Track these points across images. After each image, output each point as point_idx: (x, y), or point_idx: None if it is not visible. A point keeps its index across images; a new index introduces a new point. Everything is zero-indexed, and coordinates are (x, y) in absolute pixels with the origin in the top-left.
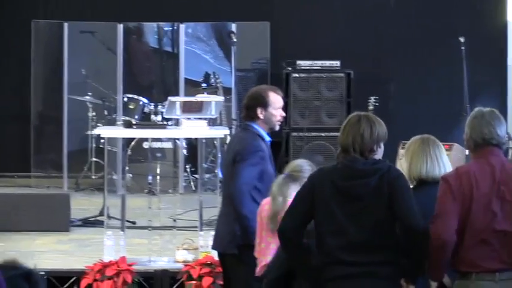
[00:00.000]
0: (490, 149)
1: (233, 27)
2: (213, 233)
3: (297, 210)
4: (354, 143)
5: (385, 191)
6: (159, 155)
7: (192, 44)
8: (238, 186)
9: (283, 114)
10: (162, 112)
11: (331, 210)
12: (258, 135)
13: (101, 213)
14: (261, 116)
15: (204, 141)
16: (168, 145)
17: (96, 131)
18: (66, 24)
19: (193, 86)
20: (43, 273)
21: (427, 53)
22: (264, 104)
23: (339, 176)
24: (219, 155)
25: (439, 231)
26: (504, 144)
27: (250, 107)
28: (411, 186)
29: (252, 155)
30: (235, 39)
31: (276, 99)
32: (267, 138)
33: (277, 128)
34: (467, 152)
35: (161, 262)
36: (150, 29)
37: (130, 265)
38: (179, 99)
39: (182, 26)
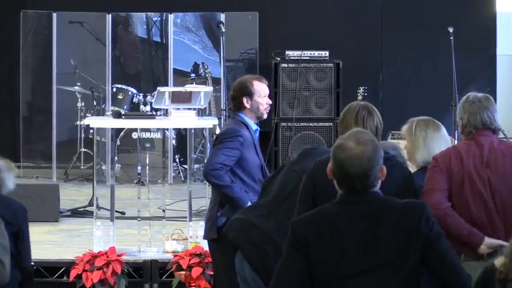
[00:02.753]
0: (483, 131)
1: (222, 17)
2: (202, 223)
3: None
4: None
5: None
6: (148, 145)
7: (181, 34)
8: (212, 164)
9: (270, 102)
10: (151, 102)
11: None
12: (243, 123)
13: (90, 204)
14: (248, 106)
15: (193, 131)
16: (157, 135)
17: (85, 122)
18: (55, 15)
19: (182, 76)
20: (32, 263)
21: (416, 43)
22: (249, 93)
23: None
24: (208, 145)
25: (434, 204)
26: (500, 129)
27: (236, 97)
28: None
29: (230, 139)
30: (224, 30)
31: (260, 88)
32: (254, 127)
33: (265, 116)
34: (455, 141)
35: (150, 252)
36: (139, 19)
37: (119, 255)
38: (168, 89)
39: (171, 16)
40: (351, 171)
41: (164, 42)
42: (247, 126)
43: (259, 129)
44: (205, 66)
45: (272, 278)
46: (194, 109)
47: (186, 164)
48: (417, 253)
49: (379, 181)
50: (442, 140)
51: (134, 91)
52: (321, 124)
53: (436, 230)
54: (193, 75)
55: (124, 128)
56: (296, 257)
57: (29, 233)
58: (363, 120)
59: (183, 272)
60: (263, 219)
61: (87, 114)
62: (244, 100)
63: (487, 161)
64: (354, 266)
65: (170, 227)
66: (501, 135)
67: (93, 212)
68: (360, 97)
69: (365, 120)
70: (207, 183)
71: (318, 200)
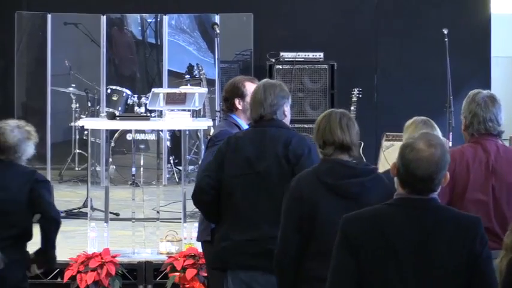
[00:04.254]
0: (487, 136)
1: (217, 18)
2: (196, 224)
3: (290, 233)
4: (355, 141)
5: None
6: (142, 146)
7: (175, 36)
8: (203, 167)
9: None
10: (145, 104)
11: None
12: (236, 125)
13: (85, 205)
14: (240, 107)
15: (187, 132)
16: (152, 137)
17: (79, 123)
18: (49, 16)
19: (176, 78)
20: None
21: (411, 45)
22: (241, 94)
23: (332, 175)
24: (203, 147)
25: None
26: (503, 132)
27: (228, 98)
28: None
29: (222, 141)
30: (218, 31)
31: (251, 89)
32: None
33: None
34: (450, 143)
35: (145, 254)
36: (134, 21)
37: (114, 257)
38: (162, 90)
39: (165, 18)
40: (417, 173)
41: (159, 43)
42: (239, 128)
43: None
44: (200, 68)
45: (327, 280)
46: (189, 110)
47: (181, 166)
48: (468, 271)
49: (440, 186)
50: None
51: (129, 92)
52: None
53: (487, 250)
54: (187, 76)
55: (118, 130)
56: (347, 259)
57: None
58: (347, 127)
59: (177, 274)
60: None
61: (82, 116)
62: (237, 101)
63: (492, 168)
64: (403, 274)
65: (164, 229)
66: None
67: (87, 213)
68: (354, 99)
69: (349, 127)
70: None
71: (307, 220)
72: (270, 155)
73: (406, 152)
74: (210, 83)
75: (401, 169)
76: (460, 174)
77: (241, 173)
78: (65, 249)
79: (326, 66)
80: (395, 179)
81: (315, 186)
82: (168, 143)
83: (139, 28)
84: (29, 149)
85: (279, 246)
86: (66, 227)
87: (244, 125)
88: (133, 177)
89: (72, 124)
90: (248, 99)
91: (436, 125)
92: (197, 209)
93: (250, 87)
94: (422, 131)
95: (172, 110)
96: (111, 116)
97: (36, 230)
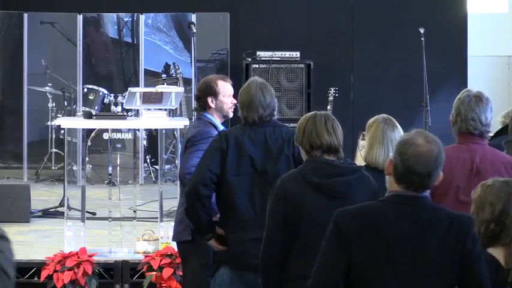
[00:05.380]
0: (472, 137)
1: (193, 17)
2: (173, 224)
3: (275, 233)
4: (341, 143)
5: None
6: (119, 145)
7: (152, 35)
8: (187, 168)
9: (234, 101)
10: (122, 103)
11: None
12: (211, 124)
13: (61, 204)
14: (213, 105)
15: (164, 132)
16: (128, 136)
17: (56, 122)
18: (25, 15)
19: (153, 77)
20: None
21: (387, 44)
22: (214, 93)
23: (318, 175)
24: (179, 146)
25: None
26: (488, 132)
27: (201, 97)
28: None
29: (203, 140)
30: (195, 30)
31: (225, 87)
32: (221, 127)
33: (230, 115)
34: None
35: (121, 253)
36: (110, 20)
37: (90, 256)
38: (139, 89)
39: (142, 17)
40: (416, 168)
41: (135, 42)
42: (215, 127)
43: (224, 128)
44: (176, 67)
45: (313, 272)
46: (165, 110)
47: (157, 165)
48: (460, 269)
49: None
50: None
51: (105, 92)
52: (292, 125)
53: (479, 248)
54: (164, 75)
55: (95, 129)
56: (337, 253)
57: None
58: (333, 129)
59: (154, 273)
60: None
61: (58, 115)
62: (209, 100)
63: (476, 171)
64: (396, 270)
65: (141, 228)
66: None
67: (64, 212)
68: (331, 98)
69: (335, 129)
70: (178, 184)
71: (291, 220)
72: (277, 155)
73: (405, 147)
74: (187, 82)
75: (400, 165)
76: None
77: (244, 172)
78: (42, 249)
79: (302, 65)
80: (388, 177)
81: (301, 186)
82: (145, 142)
83: (116, 27)
84: None
85: (263, 245)
86: (43, 226)
87: (219, 124)
88: (109, 177)
89: (49, 123)
90: (221, 97)
91: (398, 124)
92: (174, 208)
93: (222, 85)
94: (384, 130)
95: (148, 109)
96: (88, 115)
97: None
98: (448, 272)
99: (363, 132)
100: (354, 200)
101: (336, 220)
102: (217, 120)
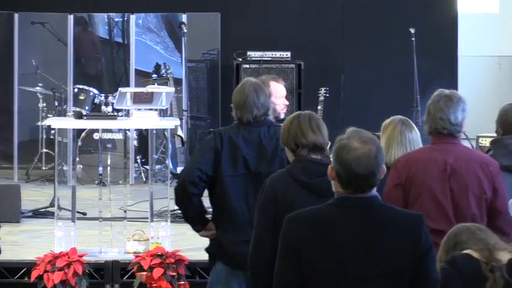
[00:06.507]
0: (447, 138)
1: (184, 18)
2: (163, 224)
3: (265, 233)
4: (326, 141)
5: None
6: (109, 146)
7: (142, 35)
8: None
9: (287, 102)
10: (112, 103)
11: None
12: None
13: (52, 204)
14: None
15: (154, 132)
16: (119, 136)
17: (46, 122)
18: (16, 15)
19: (143, 77)
20: None
21: (378, 44)
22: None
23: (306, 174)
24: (170, 146)
25: None
26: (459, 132)
27: None
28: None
29: None
30: (185, 30)
31: (277, 88)
32: None
33: (282, 116)
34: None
35: (112, 253)
36: (101, 20)
37: (81, 256)
38: (130, 90)
39: (133, 17)
40: (359, 171)
41: (126, 42)
42: None
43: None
44: (167, 67)
45: (273, 284)
46: (156, 110)
47: (148, 165)
48: (413, 269)
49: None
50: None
51: (96, 92)
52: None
53: (431, 245)
54: (154, 75)
55: (85, 129)
56: (286, 266)
57: None
58: (318, 127)
59: (144, 273)
60: None
61: (49, 115)
62: None
63: (451, 171)
64: (349, 273)
65: (131, 228)
66: (462, 136)
67: (54, 212)
68: (321, 98)
69: (320, 127)
70: (168, 184)
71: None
72: (271, 156)
73: (342, 153)
74: (177, 82)
75: (341, 171)
76: (415, 177)
77: (238, 173)
78: (32, 249)
79: (293, 65)
80: (333, 181)
81: (290, 186)
82: (135, 142)
83: (107, 27)
84: None
85: (253, 246)
86: (33, 226)
87: None
88: (100, 177)
89: (39, 123)
90: (272, 98)
91: (414, 125)
92: (164, 208)
93: (274, 86)
94: (402, 130)
95: (139, 109)
96: (78, 115)
97: None
98: (402, 272)
99: None
100: None
101: (284, 229)
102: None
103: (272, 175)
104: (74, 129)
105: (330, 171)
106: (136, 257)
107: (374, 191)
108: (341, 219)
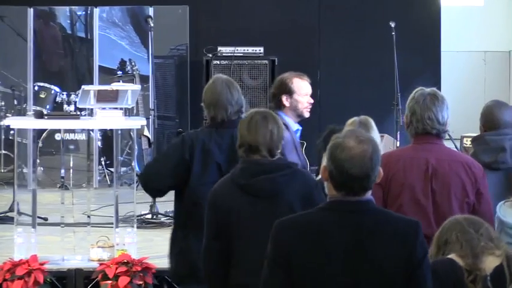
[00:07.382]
0: (429, 138)
1: (150, 11)
2: (129, 229)
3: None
4: (264, 142)
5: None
6: (72, 147)
7: (106, 29)
8: None
9: (311, 101)
10: (75, 101)
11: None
12: (284, 124)
13: (11, 209)
14: (287, 104)
15: (119, 132)
16: (82, 137)
17: (5, 122)
18: None
19: (108, 74)
20: None
21: (356, 38)
22: (288, 91)
23: (244, 175)
24: (136, 147)
25: None
26: (445, 132)
27: (276, 95)
28: None
29: None
30: (152, 24)
31: (300, 86)
32: (294, 127)
33: (306, 115)
34: (398, 143)
35: (75, 261)
36: (63, 14)
37: (42, 264)
38: (93, 87)
39: (96, 10)
40: (353, 172)
41: (89, 37)
42: (287, 127)
43: (300, 128)
44: (133, 63)
45: None
46: (121, 109)
47: (113, 167)
48: (406, 276)
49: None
50: None
51: (57, 90)
52: None
53: (426, 254)
54: (120, 72)
55: (46, 129)
56: (277, 272)
57: None
58: (255, 127)
59: (109, 282)
60: None
61: (8, 114)
62: (284, 98)
63: (432, 171)
64: (341, 281)
65: (95, 234)
66: (446, 137)
67: (13, 218)
68: None
69: (258, 127)
70: (135, 188)
71: (223, 226)
72: None
73: (337, 152)
74: (144, 79)
75: (335, 171)
76: (395, 176)
77: (211, 180)
78: None
79: (266, 61)
80: (326, 183)
81: (230, 190)
82: (99, 143)
83: (69, 21)
84: None
85: (203, 255)
86: None
87: (292, 123)
88: (62, 180)
89: None
90: (296, 96)
91: (374, 125)
92: (130, 213)
93: (298, 83)
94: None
95: (103, 108)
96: (39, 115)
97: None
98: (394, 279)
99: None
100: (284, 200)
101: (274, 235)
102: (291, 120)
103: (217, 182)
104: (34, 130)
105: (323, 171)
106: (101, 264)
107: (369, 195)
108: (332, 225)
